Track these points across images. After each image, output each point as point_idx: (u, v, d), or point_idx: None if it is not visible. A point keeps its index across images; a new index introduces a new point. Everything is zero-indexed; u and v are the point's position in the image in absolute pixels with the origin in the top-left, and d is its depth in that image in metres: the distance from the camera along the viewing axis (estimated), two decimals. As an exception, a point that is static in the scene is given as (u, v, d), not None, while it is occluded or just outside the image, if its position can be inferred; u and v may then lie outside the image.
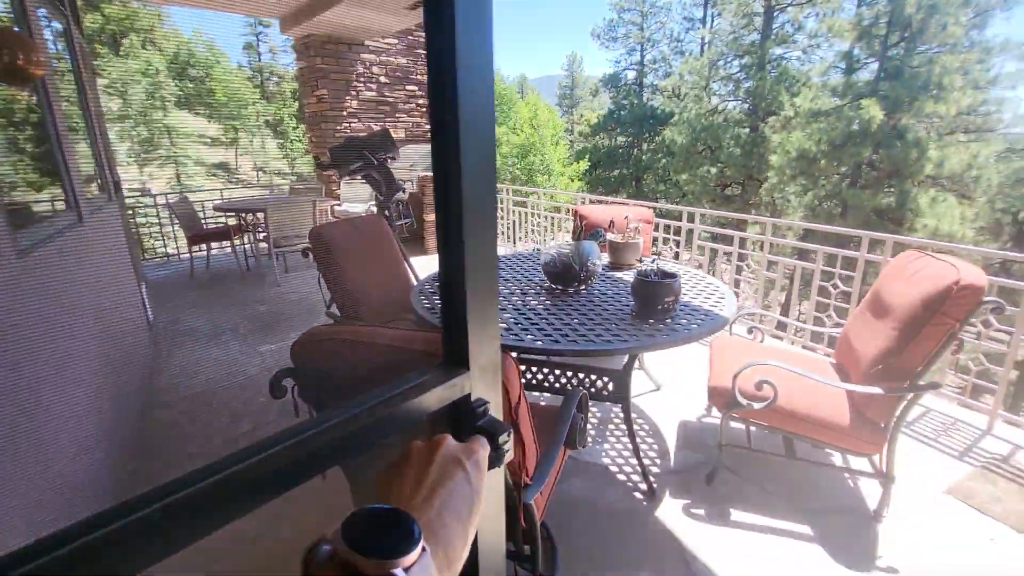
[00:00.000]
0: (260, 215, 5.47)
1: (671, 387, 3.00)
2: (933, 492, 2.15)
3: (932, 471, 2.27)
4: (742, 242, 3.95)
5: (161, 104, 25.33)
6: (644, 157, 25.69)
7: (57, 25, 2.89)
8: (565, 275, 2.30)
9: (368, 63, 7.35)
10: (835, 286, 3.30)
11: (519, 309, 2.10)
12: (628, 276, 2.58)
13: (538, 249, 3.05)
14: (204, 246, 5.97)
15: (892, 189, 12.44)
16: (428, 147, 5.02)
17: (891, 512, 2.00)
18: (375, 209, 7.03)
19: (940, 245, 2.97)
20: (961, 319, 1.74)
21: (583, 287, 2.34)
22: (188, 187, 25.85)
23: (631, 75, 27.85)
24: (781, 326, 3.85)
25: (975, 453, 2.43)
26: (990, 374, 2.90)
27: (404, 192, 4.36)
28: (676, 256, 4.55)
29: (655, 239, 4.67)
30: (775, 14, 17.97)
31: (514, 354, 1.81)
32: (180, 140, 26.39)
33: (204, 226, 6.15)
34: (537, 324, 1.93)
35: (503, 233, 6.79)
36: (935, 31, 12.07)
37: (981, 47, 12.41)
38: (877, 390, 1.84)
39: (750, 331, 2.60)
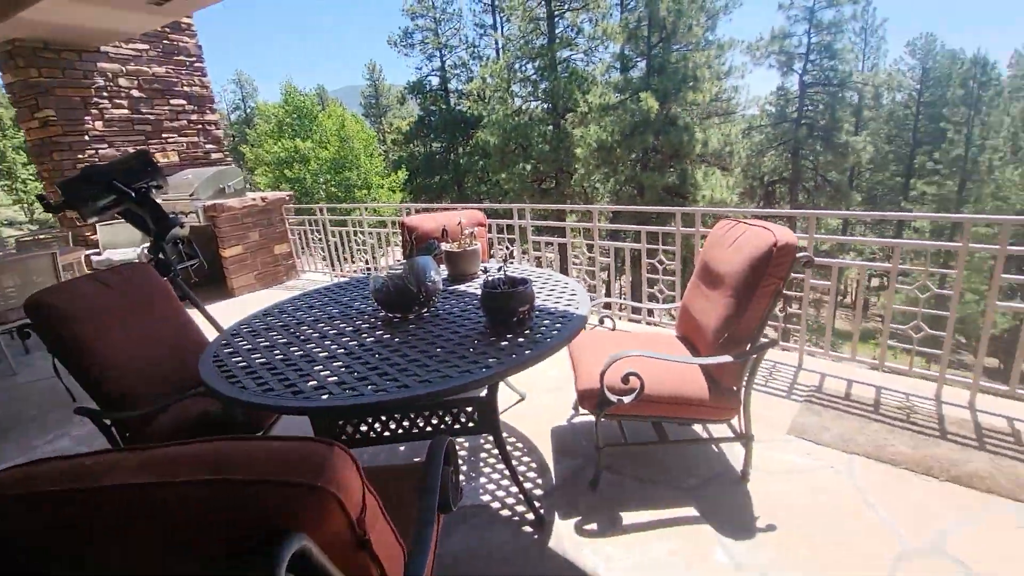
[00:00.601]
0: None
1: (535, 393, 2.84)
2: (779, 436, 2.32)
3: (772, 416, 2.47)
4: (568, 232, 4.02)
5: None
6: (462, 161, 26.16)
7: None
8: (401, 300, 1.95)
9: (111, 74, 5.92)
10: (660, 262, 3.50)
11: (352, 352, 1.70)
12: (474, 288, 2.32)
13: (369, 272, 2.63)
14: None
15: (674, 169, 14.49)
16: (213, 170, 4.13)
17: (755, 467, 2.08)
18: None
19: (726, 211, 3.33)
20: (784, 276, 1.84)
21: (425, 310, 2.02)
22: None
23: (435, 81, 28.06)
24: (626, 308, 4.00)
25: (797, 389, 2.73)
26: (793, 318, 3.32)
27: (183, 227, 3.51)
28: (510, 255, 4.48)
29: (491, 242, 4.54)
30: (556, 19, 19.62)
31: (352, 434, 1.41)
32: None
33: None
34: (378, 368, 1.55)
35: (325, 259, 6.08)
36: (683, 32, 14.36)
37: (716, 44, 15.16)
38: (727, 358, 1.87)
39: (602, 321, 2.56)
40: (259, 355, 1.75)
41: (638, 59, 16.29)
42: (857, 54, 22.43)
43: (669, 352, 2.22)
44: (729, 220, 2.24)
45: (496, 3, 25.07)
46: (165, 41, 6.42)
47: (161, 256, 3.46)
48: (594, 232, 3.81)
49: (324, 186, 19.47)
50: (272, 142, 20.44)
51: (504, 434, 2.49)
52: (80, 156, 5.73)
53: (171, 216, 3.48)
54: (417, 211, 5.37)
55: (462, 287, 2.36)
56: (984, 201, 21.24)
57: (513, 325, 1.73)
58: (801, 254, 1.84)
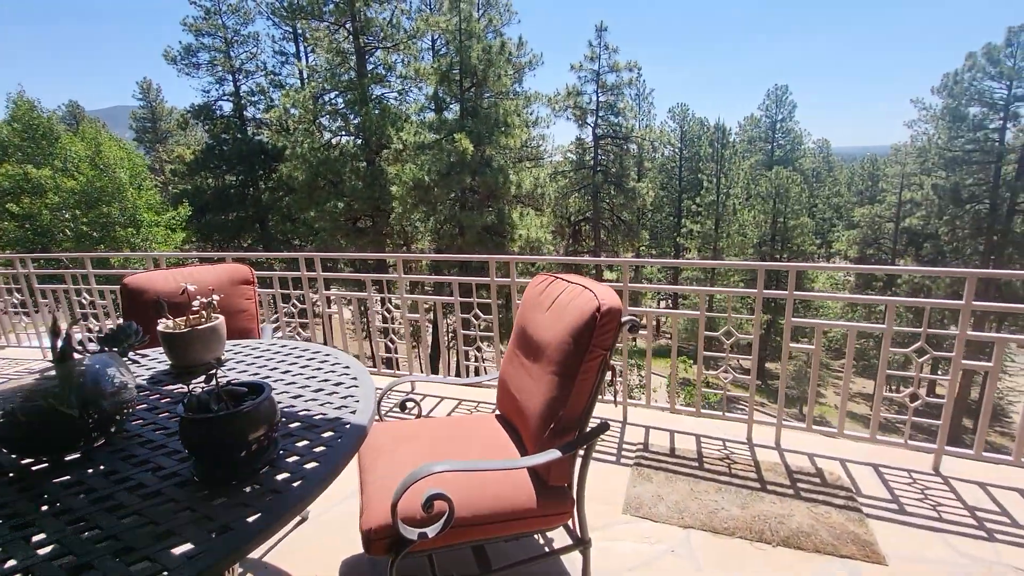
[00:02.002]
0: None
1: (326, 503, 2.15)
2: (616, 519, 2.04)
3: (605, 491, 2.19)
4: (378, 285, 3.43)
5: None
6: (263, 196, 23.47)
7: None
8: (47, 435, 1.15)
9: None
10: (476, 316, 3.12)
11: None
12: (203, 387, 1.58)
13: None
14: None
15: (491, 208, 14.87)
16: None
17: (595, 570, 1.73)
18: None
19: (543, 259, 3.15)
20: (610, 346, 1.55)
21: (100, 442, 1.24)
22: None
23: (227, 106, 24.97)
24: (435, 371, 3.51)
25: (625, 450, 2.53)
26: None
27: None
28: (302, 317, 3.68)
29: (272, 299, 3.69)
30: (367, 55, 19.09)
31: None
32: None
33: None
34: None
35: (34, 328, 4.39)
36: (493, 80, 15.05)
37: (523, 96, 16.27)
38: (556, 453, 1.49)
39: (403, 406, 2.01)
40: None
41: (452, 102, 16.61)
42: (635, 113, 26.49)
43: (486, 445, 1.78)
44: (546, 276, 1.93)
45: (299, 32, 23.58)
46: None
47: None
48: (399, 283, 3.29)
49: (71, 223, 15.41)
50: (-13, 167, 15.55)
51: (270, 588, 1.75)
52: None
53: None
54: (164, 264, 4.19)
55: (184, 385, 1.59)
56: (733, 236, 26.62)
57: (240, 463, 1.08)
58: (626, 318, 1.57)
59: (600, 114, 23.35)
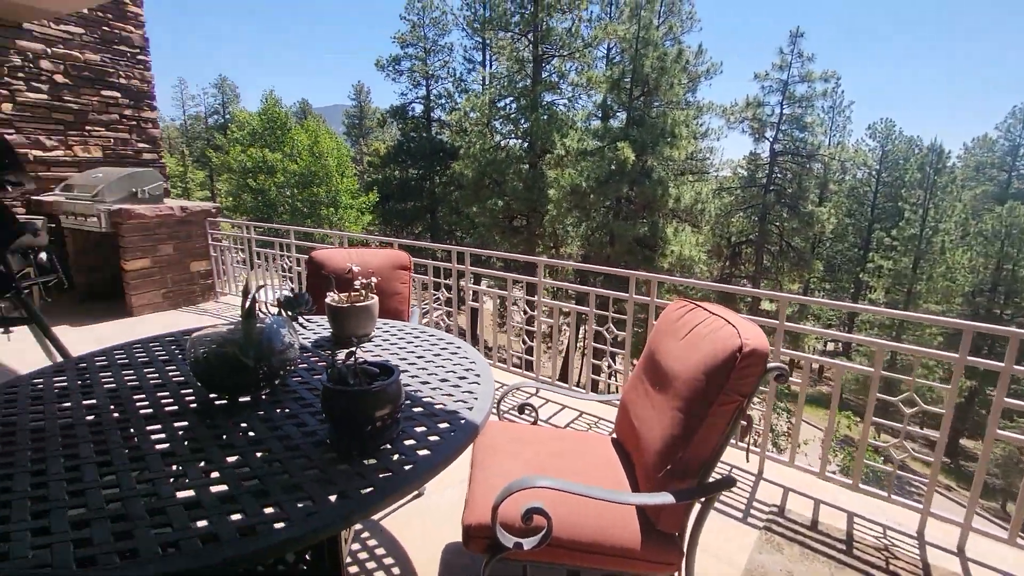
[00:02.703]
0: None
1: (439, 485, 2.28)
2: (731, 585, 1.81)
3: (724, 550, 1.96)
4: (509, 284, 3.53)
5: None
6: (437, 190, 25.84)
7: None
8: (227, 379, 1.39)
9: (31, 54, 5.29)
10: (609, 331, 3.03)
11: (142, 459, 1.12)
12: (367, 353, 1.77)
13: (187, 336, 2.03)
14: None
15: (645, 220, 14.41)
16: (126, 171, 3.48)
17: (696, 636, 1.55)
18: None
19: (689, 282, 2.93)
20: (749, 393, 1.37)
21: (266, 392, 1.46)
22: None
23: (419, 108, 28.00)
24: (564, 377, 3.50)
25: (755, 509, 2.24)
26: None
27: (37, 235, 2.87)
28: (448, 306, 3.95)
29: (425, 285, 4.02)
30: (543, 63, 19.87)
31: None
32: None
33: None
34: (156, 493, 0.98)
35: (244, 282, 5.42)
36: (665, 89, 14.56)
37: (695, 106, 15.45)
38: (668, 498, 1.37)
39: (521, 409, 2.04)
40: (12, 442, 1.15)
41: (619, 109, 16.45)
42: (825, 129, 23.40)
43: (596, 468, 1.71)
44: (685, 303, 1.79)
45: (487, 41, 25.40)
46: (105, 28, 5.84)
47: (2, 268, 2.81)
48: (538, 287, 3.34)
49: (289, 200, 18.71)
50: (240, 150, 19.69)
51: (375, 545, 1.90)
52: (-26, 139, 4.99)
53: (23, 222, 2.85)
54: (336, 242, 4.82)
55: (342, 354, 1.81)
56: (936, 280, 22.05)
57: (366, 439, 1.19)
58: (773, 365, 1.38)
59: (783, 128, 21.08)
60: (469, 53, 27.89)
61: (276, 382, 1.48)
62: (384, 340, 1.97)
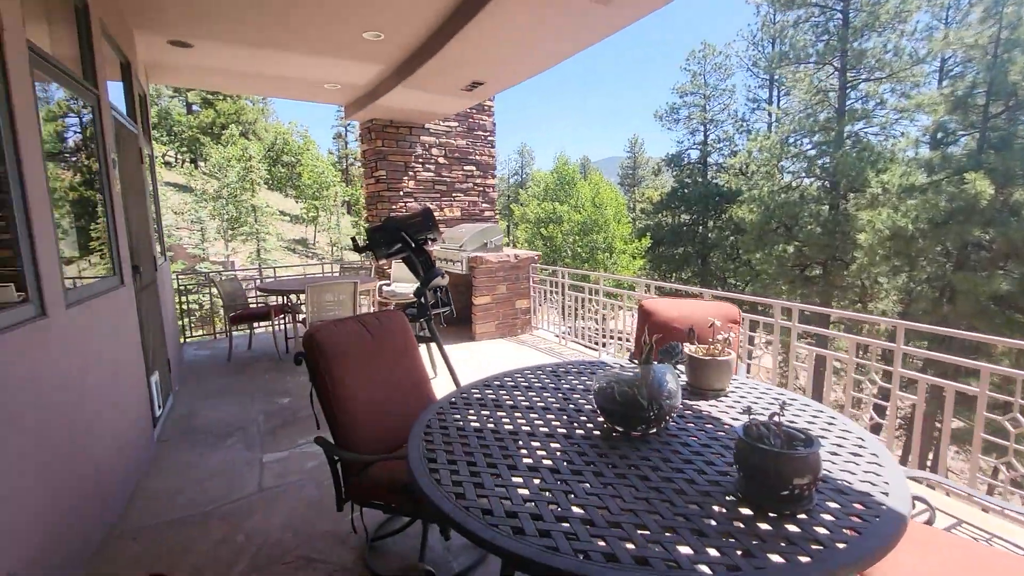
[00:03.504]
0: (303, 296, 5.24)
1: None
2: None
3: None
4: (855, 349, 3.08)
5: (250, 186, 27.85)
6: (710, 235, 24.79)
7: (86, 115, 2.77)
8: (626, 413, 1.61)
9: (427, 145, 7.35)
10: (1014, 421, 2.35)
11: (558, 470, 1.42)
12: (719, 410, 1.84)
13: (602, 365, 2.37)
14: (247, 326, 5.80)
15: (1007, 272, 10.75)
16: (482, 226, 4.59)
17: None
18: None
19: None
20: None
21: (652, 431, 1.63)
22: (266, 261, 27.66)
23: (694, 154, 27.68)
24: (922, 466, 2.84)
25: None
26: None
27: (443, 277, 3.89)
28: (748, 360, 3.69)
29: (748, 339, 3.85)
30: (848, 91, 17.29)
31: None
32: (263, 218, 28.63)
33: (248, 305, 6.00)
34: (584, 504, 1.23)
35: (566, 328, 6.17)
36: (1049, 99, 10.86)
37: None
38: None
39: (914, 506, 1.73)
40: (465, 439, 1.62)
41: (963, 133, 12.93)
42: None
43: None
44: None
45: (775, 77, 23.57)
46: (469, 120, 7.68)
47: (422, 300, 3.89)
48: (896, 356, 2.83)
49: (571, 246, 20.67)
50: (536, 204, 22.90)
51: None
52: (393, 207, 7.16)
53: (436, 268, 3.89)
54: (657, 291, 4.99)
55: (704, 405, 1.89)
56: None
57: (778, 500, 1.21)
58: None
59: None
60: (753, 92, 26.39)
61: (662, 424, 1.64)
62: (743, 397, 1.98)
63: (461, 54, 4.45)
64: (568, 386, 2.12)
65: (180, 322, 6.37)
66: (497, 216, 8.12)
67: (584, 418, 1.79)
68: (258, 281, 6.96)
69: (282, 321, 5.96)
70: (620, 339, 5.91)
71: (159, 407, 3.67)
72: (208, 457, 3.24)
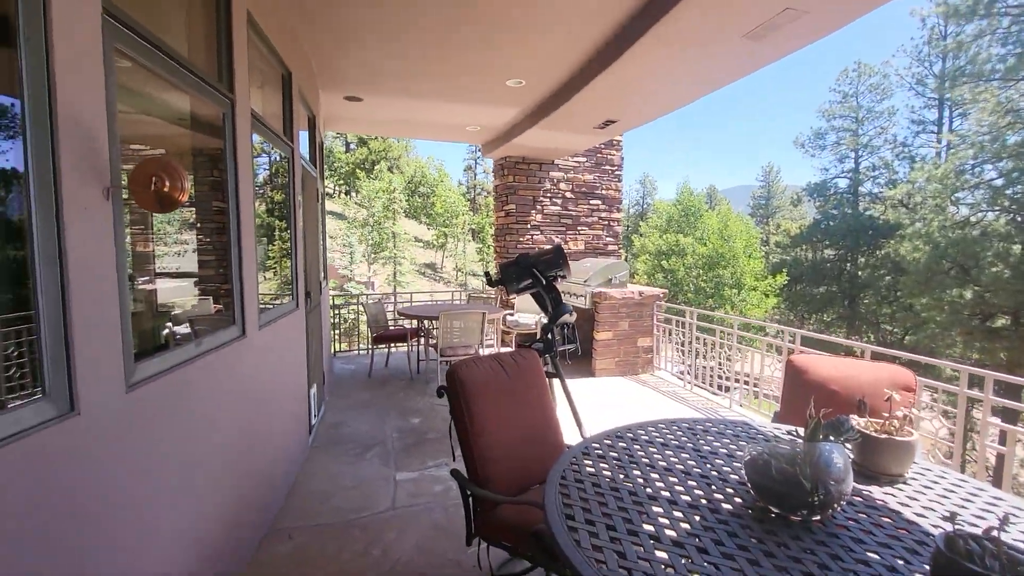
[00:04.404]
0: (436, 321, 5.63)
1: None
2: None
3: None
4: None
5: (392, 215, 30.81)
6: (860, 273, 21.92)
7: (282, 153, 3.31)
8: (784, 494, 1.47)
9: (555, 180, 7.55)
10: None
11: (704, 548, 1.34)
12: (895, 501, 1.60)
13: (745, 426, 2.22)
14: (386, 346, 6.35)
15: None
16: (606, 261, 4.59)
17: None
18: (544, 320, 6.80)
19: None
20: None
21: (816, 519, 1.47)
22: (400, 283, 30.20)
23: (843, 183, 24.92)
24: None
25: None
26: None
27: (572, 315, 3.92)
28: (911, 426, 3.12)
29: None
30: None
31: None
32: (400, 244, 31.42)
33: (389, 326, 6.57)
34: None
35: (682, 361, 5.85)
36: None
37: None
38: None
39: None
40: (601, 496, 1.60)
41: None
42: None
43: None
44: None
45: (946, 97, 20.49)
46: (598, 155, 7.76)
47: (549, 336, 3.96)
48: None
49: (695, 280, 19.62)
50: (658, 235, 22.23)
51: None
52: (520, 239, 7.43)
53: (565, 304, 3.94)
54: (802, 342, 4.51)
55: (877, 492, 1.66)
56: None
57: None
58: None
59: None
60: (918, 114, 23.17)
61: (828, 511, 1.47)
62: (926, 487, 1.70)
63: (597, 96, 4.54)
64: (708, 447, 2.00)
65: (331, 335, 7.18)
66: (621, 250, 8.02)
67: (731, 490, 1.67)
68: (396, 304, 7.61)
69: (415, 343, 6.42)
70: (747, 383, 5.46)
71: (315, 415, 4.14)
72: (352, 467, 3.57)
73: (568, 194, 7.61)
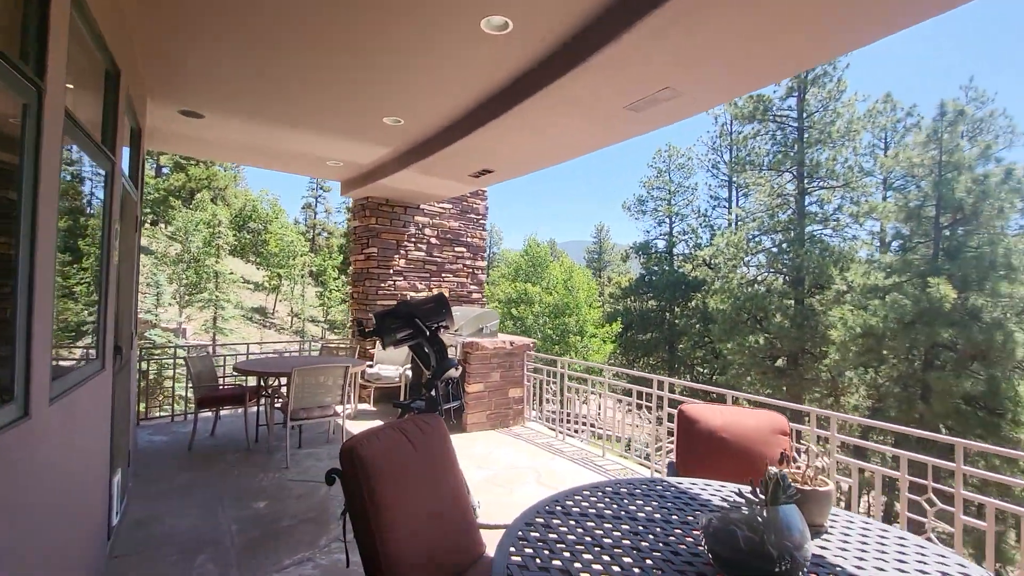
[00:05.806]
0: (283, 380, 4.80)
1: None
2: None
3: None
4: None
5: (216, 251, 27.09)
6: (677, 321, 25.36)
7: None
8: (751, 565, 1.36)
9: (420, 224, 7.30)
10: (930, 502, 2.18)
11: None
12: (832, 555, 1.60)
13: (661, 483, 2.12)
14: (212, 410, 5.22)
15: (976, 374, 11.24)
16: (477, 310, 4.37)
17: None
18: (409, 373, 6.30)
19: None
20: None
21: (783, 589, 1.37)
22: (222, 330, 26.28)
23: (661, 244, 29.03)
24: None
25: None
26: None
27: (457, 369, 3.62)
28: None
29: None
30: (805, 196, 18.78)
31: None
32: (224, 285, 27.59)
33: (220, 386, 5.46)
34: None
35: (551, 411, 5.86)
36: (989, 215, 12.02)
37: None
38: None
39: None
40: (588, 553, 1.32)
41: (921, 240, 14.04)
42: None
43: None
44: None
45: (733, 179, 25.57)
46: (464, 202, 7.74)
47: (433, 393, 3.58)
48: (956, 477, 2.69)
49: (542, 327, 20.60)
50: (507, 283, 23.06)
51: None
52: (382, 284, 6.92)
53: (451, 359, 3.63)
54: (681, 390, 4.81)
55: (815, 548, 1.65)
56: None
57: None
58: None
59: None
60: (714, 191, 28.41)
61: (794, 579, 1.39)
62: (846, 535, 1.75)
63: (478, 145, 4.49)
64: (643, 513, 1.85)
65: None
66: (484, 299, 7.98)
67: (686, 563, 1.52)
68: (224, 356, 6.43)
69: (255, 404, 5.40)
70: (608, 433, 5.66)
71: (117, 512, 3.10)
72: (172, 582, 2.69)
73: (433, 240, 7.40)
